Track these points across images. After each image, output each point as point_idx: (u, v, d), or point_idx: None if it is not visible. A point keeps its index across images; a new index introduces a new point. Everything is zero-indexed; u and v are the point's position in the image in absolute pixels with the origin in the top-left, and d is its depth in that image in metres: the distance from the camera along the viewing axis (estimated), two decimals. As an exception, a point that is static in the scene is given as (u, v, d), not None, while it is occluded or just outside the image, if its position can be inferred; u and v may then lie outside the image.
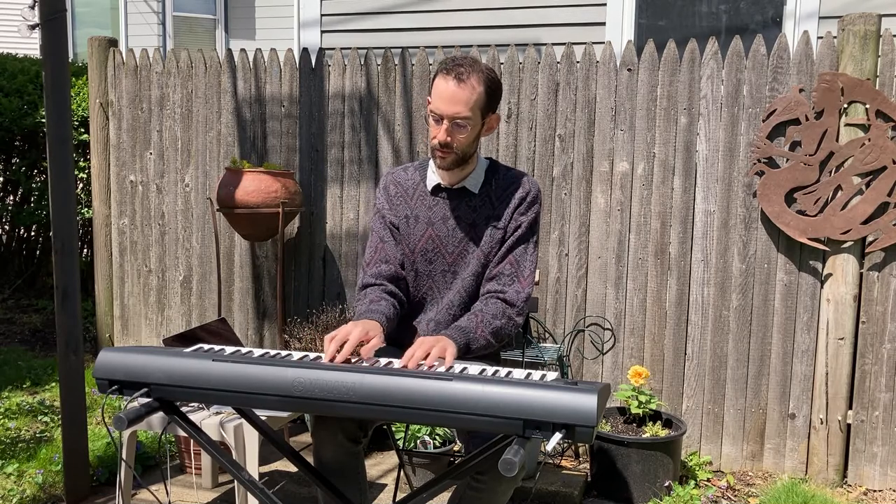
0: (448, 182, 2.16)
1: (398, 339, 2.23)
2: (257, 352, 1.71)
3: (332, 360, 1.68)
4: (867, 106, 3.08)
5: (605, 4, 5.02)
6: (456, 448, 3.23)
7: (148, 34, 7.78)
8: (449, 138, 2.03)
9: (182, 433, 2.81)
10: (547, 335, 3.58)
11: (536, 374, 1.55)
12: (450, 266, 2.16)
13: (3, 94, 5.11)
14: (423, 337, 1.81)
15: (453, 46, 3.74)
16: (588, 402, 1.38)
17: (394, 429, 3.09)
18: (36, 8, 2.85)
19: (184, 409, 2.58)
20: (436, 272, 2.18)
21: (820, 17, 4.66)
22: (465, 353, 1.94)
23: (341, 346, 1.73)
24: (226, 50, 5.35)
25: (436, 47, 3.76)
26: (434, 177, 2.18)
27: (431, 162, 2.18)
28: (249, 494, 2.46)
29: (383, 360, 1.72)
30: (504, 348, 2.38)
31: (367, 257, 2.22)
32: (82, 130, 4.92)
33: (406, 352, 1.73)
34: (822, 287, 3.23)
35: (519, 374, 1.58)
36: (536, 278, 3.48)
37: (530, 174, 3.52)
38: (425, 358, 1.73)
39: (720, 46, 3.30)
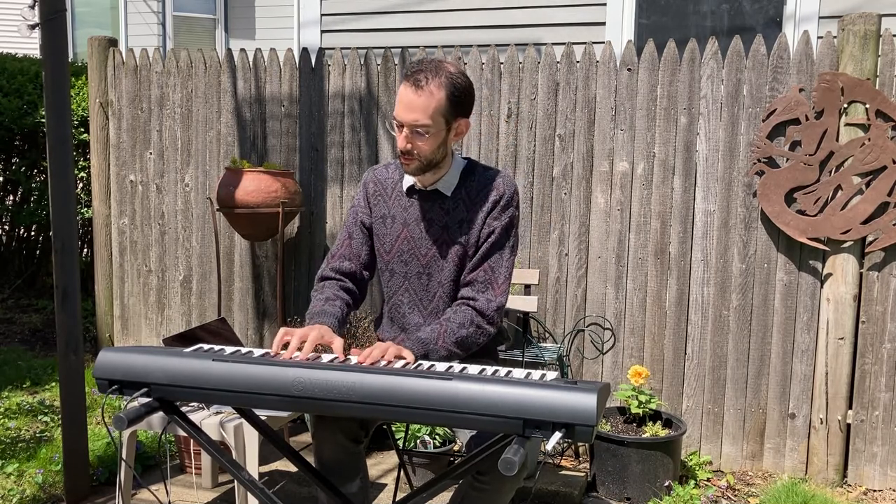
0: (421, 184, 2.13)
1: (384, 339, 2.25)
2: (257, 352, 1.71)
3: (290, 357, 1.69)
4: (867, 106, 3.08)
5: (605, 4, 5.03)
6: (456, 448, 3.23)
7: (148, 34, 7.77)
8: (409, 145, 1.99)
9: (182, 433, 2.81)
10: (547, 335, 3.57)
11: (536, 374, 1.55)
12: (424, 268, 2.14)
13: (2, 94, 5.11)
14: (378, 342, 1.82)
15: (453, 46, 3.74)
16: (588, 401, 1.38)
17: (394, 429, 3.09)
18: (36, 8, 2.85)
19: (184, 409, 2.58)
20: (411, 273, 2.16)
21: (820, 18, 4.67)
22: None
23: (301, 346, 1.76)
24: (226, 50, 5.35)
25: (436, 47, 3.76)
26: (409, 178, 2.15)
27: None
28: (249, 494, 2.46)
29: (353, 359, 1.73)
30: (500, 343, 2.37)
31: (333, 249, 2.22)
32: (82, 130, 4.92)
33: (364, 352, 1.75)
34: (821, 287, 3.23)
35: (519, 373, 1.58)
36: (536, 280, 3.48)
37: (528, 174, 3.53)
38: (381, 357, 1.74)
39: (720, 46, 3.30)
